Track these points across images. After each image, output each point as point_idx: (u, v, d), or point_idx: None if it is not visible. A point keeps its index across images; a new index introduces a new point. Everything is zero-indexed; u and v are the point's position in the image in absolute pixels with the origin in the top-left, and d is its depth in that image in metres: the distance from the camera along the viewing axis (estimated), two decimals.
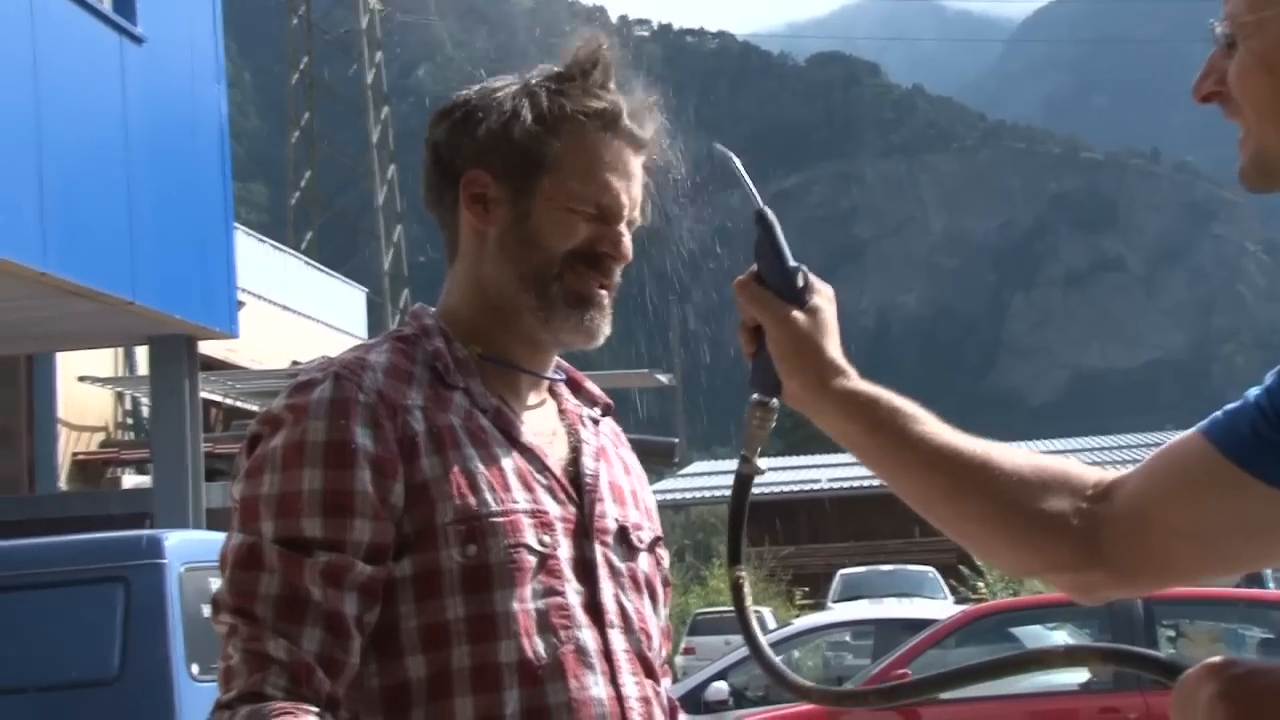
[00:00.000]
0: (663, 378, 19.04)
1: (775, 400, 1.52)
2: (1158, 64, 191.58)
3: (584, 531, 1.61)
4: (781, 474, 31.24)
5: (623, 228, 1.65)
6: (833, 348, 1.48)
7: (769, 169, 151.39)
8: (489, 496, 1.54)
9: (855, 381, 1.47)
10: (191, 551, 6.54)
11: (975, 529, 1.46)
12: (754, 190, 1.55)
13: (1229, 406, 1.36)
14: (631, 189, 1.66)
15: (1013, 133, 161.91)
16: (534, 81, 1.66)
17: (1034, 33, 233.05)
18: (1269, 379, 1.33)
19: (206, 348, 13.83)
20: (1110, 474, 1.45)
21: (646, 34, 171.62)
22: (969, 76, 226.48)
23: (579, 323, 1.64)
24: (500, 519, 1.53)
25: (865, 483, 30.28)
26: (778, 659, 1.38)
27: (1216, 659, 0.95)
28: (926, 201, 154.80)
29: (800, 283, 1.49)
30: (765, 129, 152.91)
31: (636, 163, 1.67)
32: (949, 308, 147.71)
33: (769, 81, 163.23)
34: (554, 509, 1.59)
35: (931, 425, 1.45)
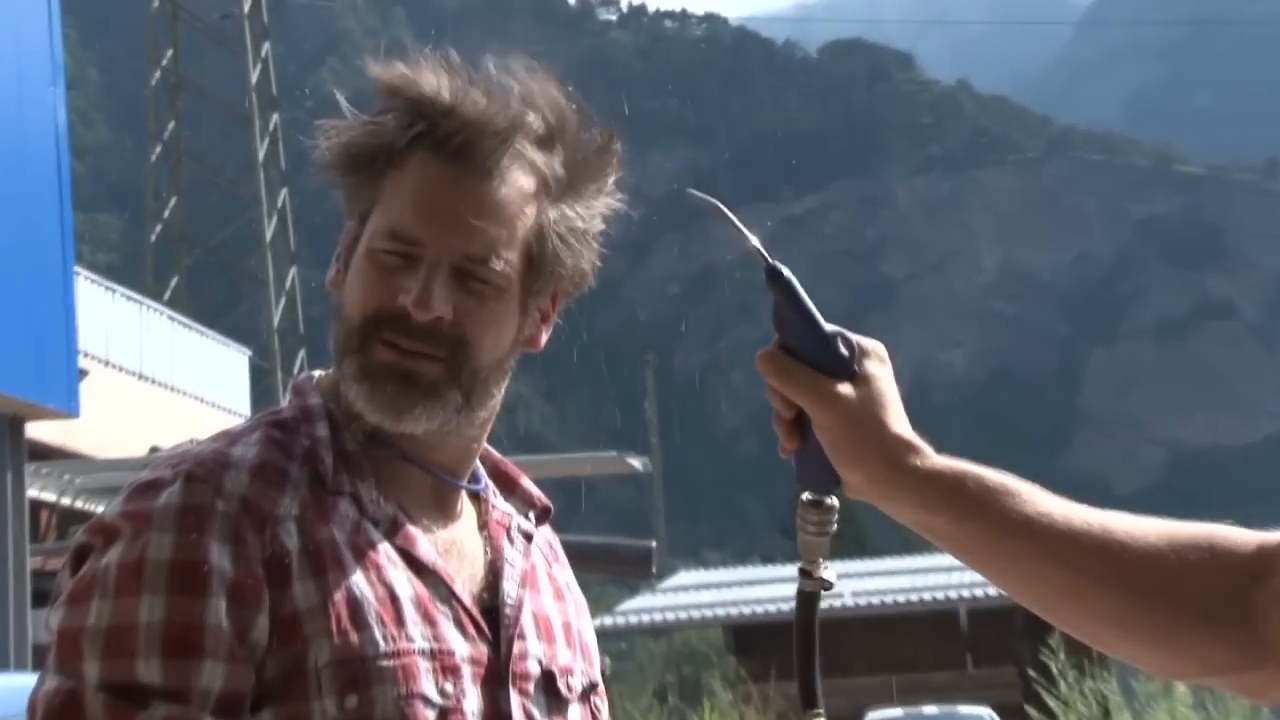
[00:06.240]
0: (635, 462, 19.01)
1: (833, 498, 1.54)
2: (1273, 52, 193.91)
3: (498, 677, 1.63)
4: (793, 586, 31.09)
5: (435, 276, 1.64)
6: (897, 422, 1.51)
7: (774, 190, 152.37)
8: (377, 633, 1.56)
9: (933, 460, 1.50)
10: (12, 701, 6.46)
11: (1107, 631, 1.49)
12: (757, 242, 1.56)
13: None
14: (465, 220, 1.65)
15: (1087, 141, 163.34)
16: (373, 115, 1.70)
17: (1113, 12, 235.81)
18: None
19: (37, 430, 13.74)
20: (1272, 537, 1.47)
21: (614, 18, 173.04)
22: (1029, 70, 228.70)
23: (368, 398, 1.65)
24: (390, 662, 1.55)
25: (903, 598, 30.27)
26: None
27: None
28: (976, 230, 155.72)
29: (843, 350, 1.52)
30: (767, 139, 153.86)
31: (489, 186, 1.66)
32: (1007, 367, 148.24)
33: (772, 78, 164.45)
34: (460, 647, 1.61)
35: (1035, 504, 1.48)
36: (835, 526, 1.56)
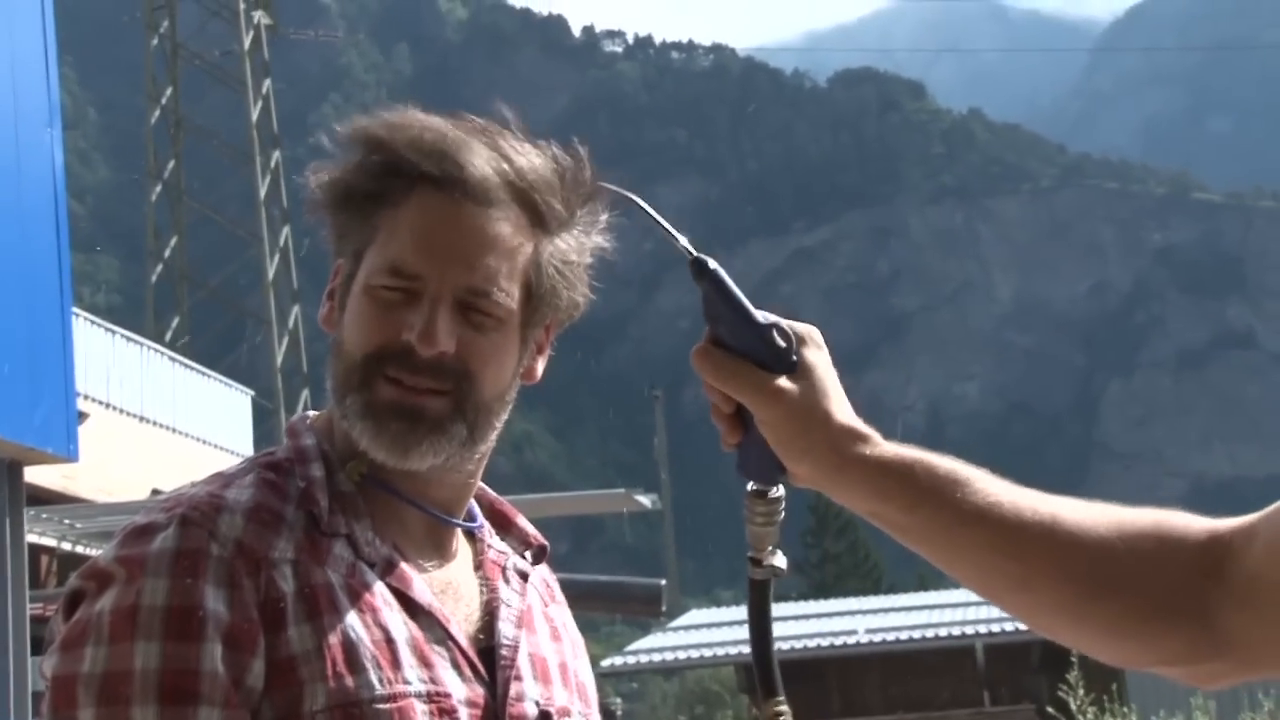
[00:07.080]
0: (644, 499, 18.96)
1: (779, 489, 1.54)
2: None
3: (495, 719, 1.65)
4: (805, 624, 31.04)
5: (439, 310, 1.67)
6: (840, 410, 1.51)
7: (784, 222, 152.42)
8: (373, 676, 1.57)
9: (880, 448, 1.51)
10: None
11: (1059, 622, 1.50)
12: (677, 235, 1.57)
13: None
14: (466, 254, 1.68)
15: (1102, 169, 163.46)
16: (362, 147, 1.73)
17: (1128, 39, 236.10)
18: None
19: (36, 475, 13.75)
20: (1222, 525, 1.47)
21: (619, 49, 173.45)
22: (1043, 97, 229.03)
23: (373, 436, 1.67)
24: (386, 705, 1.56)
25: (919, 633, 30.17)
26: None
27: None
28: (990, 260, 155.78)
29: (780, 341, 1.51)
30: (777, 170, 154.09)
31: (488, 221, 1.69)
32: (1023, 400, 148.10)
33: (781, 108, 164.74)
34: (457, 689, 1.63)
35: (985, 493, 1.49)
36: (783, 514, 1.55)
